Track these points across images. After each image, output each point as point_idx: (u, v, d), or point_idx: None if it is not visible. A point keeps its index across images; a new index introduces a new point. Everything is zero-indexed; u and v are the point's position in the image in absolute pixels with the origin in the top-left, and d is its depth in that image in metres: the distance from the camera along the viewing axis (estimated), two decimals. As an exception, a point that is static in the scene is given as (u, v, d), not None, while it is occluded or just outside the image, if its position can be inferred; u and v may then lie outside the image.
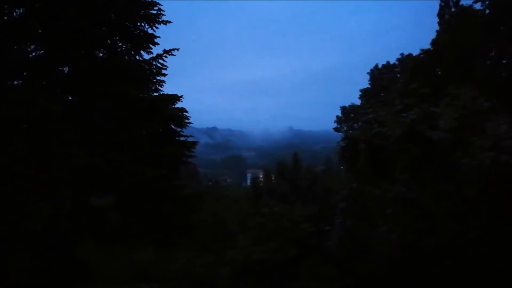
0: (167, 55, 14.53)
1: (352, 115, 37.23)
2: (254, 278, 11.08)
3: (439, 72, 24.37)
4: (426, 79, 20.10)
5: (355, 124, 31.43)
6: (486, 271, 5.37)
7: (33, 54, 13.75)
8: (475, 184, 5.73)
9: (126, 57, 14.97)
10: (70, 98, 14.26)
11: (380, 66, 38.68)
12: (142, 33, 14.60)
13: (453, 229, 5.77)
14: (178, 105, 15.42)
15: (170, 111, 14.95)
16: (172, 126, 15.40)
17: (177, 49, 14.66)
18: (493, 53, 23.42)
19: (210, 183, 51.71)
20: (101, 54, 14.66)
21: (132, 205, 12.22)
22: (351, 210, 8.49)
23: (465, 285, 5.51)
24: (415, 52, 28.25)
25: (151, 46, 14.75)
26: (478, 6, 23.71)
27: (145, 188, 12.51)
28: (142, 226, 12.10)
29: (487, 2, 23.21)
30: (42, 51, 13.71)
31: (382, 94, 33.81)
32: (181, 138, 15.67)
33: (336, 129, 39.18)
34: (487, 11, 23.30)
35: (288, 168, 45.55)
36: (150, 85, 15.13)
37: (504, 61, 23.04)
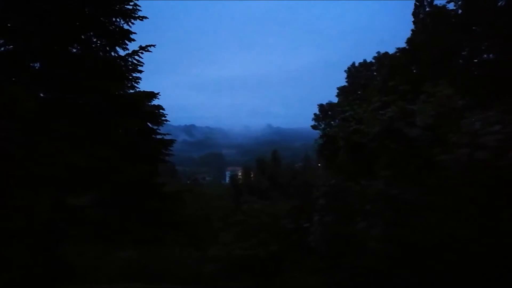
0: (143, 52, 14.25)
1: (329, 112, 37.49)
2: (238, 274, 11.09)
3: (415, 71, 24.85)
4: (402, 77, 20.46)
5: (332, 122, 31.71)
6: (472, 263, 5.48)
7: (2, 48, 13.24)
8: (455, 180, 5.84)
9: (101, 53, 14.59)
10: (41, 95, 13.77)
11: (357, 64, 39.12)
12: (117, 29, 14.25)
13: (436, 223, 5.88)
14: (155, 102, 15.19)
15: (146, 109, 14.70)
16: (149, 124, 15.15)
17: (153, 45, 14.39)
18: (465, 52, 24.03)
19: (188, 181, 51.28)
20: (74, 50, 14.25)
21: (117, 203, 12.00)
22: (330, 206, 8.58)
23: (452, 277, 5.62)
24: (391, 51, 28.75)
25: (126, 42, 14.42)
26: (451, 6, 24.29)
27: (129, 185, 12.30)
28: (127, 224, 11.92)
29: (459, 2, 23.80)
30: (12, 46, 13.21)
31: (359, 92, 34.20)
32: (158, 136, 15.45)
33: (313, 127, 39.38)
34: (460, 11, 23.91)
35: (268, 165, 45.80)
36: (126, 82, 14.79)
37: (475, 60, 23.69)
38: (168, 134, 15.76)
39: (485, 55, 23.06)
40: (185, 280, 9.98)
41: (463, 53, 24.26)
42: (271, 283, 10.18)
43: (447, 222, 5.75)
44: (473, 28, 22.51)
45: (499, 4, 21.38)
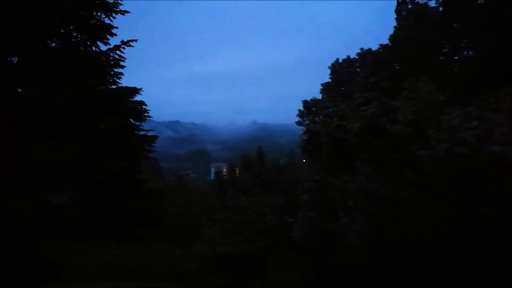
0: (125, 46, 14.04)
1: (313, 109, 37.63)
2: (222, 270, 11.06)
3: (397, 67, 25.17)
4: (385, 73, 20.70)
5: (316, 118, 31.86)
6: (450, 257, 5.58)
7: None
8: (434, 175, 5.92)
9: (81, 47, 14.30)
10: (20, 90, 13.43)
11: (341, 60, 39.32)
12: (98, 23, 14.00)
13: (415, 218, 5.96)
14: (137, 98, 14.97)
15: (128, 104, 14.48)
16: (131, 119, 14.92)
17: (136, 40, 14.20)
18: (446, 49, 24.46)
19: (173, 178, 50.87)
20: (54, 44, 13.93)
21: (98, 200, 11.82)
22: (314, 201, 8.62)
23: (431, 271, 5.70)
24: (375, 47, 29.06)
25: (108, 36, 14.18)
26: (432, 3, 24.71)
27: (110, 182, 12.12)
28: (109, 222, 11.75)
29: (440, 0, 24.20)
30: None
31: (343, 88, 34.46)
32: (141, 132, 15.24)
33: (298, 123, 39.50)
34: (441, 8, 24.32)
35: (253, 161, 45.78)
36: (108, 77, 14.54)
37: (456, 57, 24.16)
38: (151, 130, 15.55)
39: (464, 52, 23.52)
40: (168, 278, 9.91)
41: (444, 50, 24.67)
42: (255, 279, 10.20)
43: (424, 217, 5.84)
44: (454, 25, 22.90)
45: (479, 1, 21.77)
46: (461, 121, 6.48)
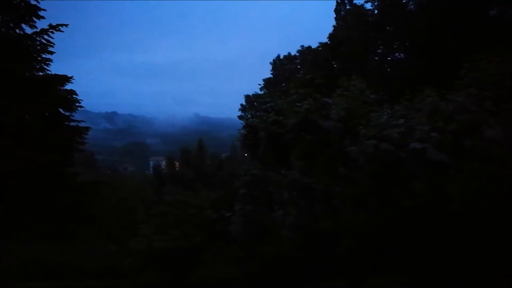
0: (54, 31, 13.07)
1: (255, 103, 37.96)
2: (159, 266, 10.79)
3: (335, 65, 26.13)
4: (323, 71, 21.39)
5: (257, 113, 32.18)
6: (380, 248, 5.89)
7: None
8: (363, 169, 6.21)
9: (3, 29, 13.08)
10: None
11: (282, 57, 40.03)
12: (23, 3, 12.87)
13: (346, 211, 6.22)
14: (69, 86, 14.05)
15: (57, 93, 13.54)
16: (61, 109, 13.98)
17: (66, 25, 13.27)
18: (380, 50, 25.85)
19: (108, 171, 48.66)
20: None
21: (21, 195, 10.93)
22: (251, 195, 8.70)
23: (362, 262, 5.98)
24: (315, 44, 29.94)
25: (34, 19, 13.11)
26: (369, 6, 25.94)
27: (35, 176, 11.26)
28: (34, 217, 10.95)
29: (376, 3, 25.48)
30: None
31: (283, 84, 35.12)
32: (72, 123, 14.35)
33: (240, 117, 39.69)
34: (376, 11, 25.61)
35: (193, 155, 45.24)
36: (34, 63, 13.46)
37: (389, 58, 25.64)
38: (82, 121, 14.70)
39: (396, 54, 25.03)
40: (101, 275, 9.49)
41: (378, 50, 26.04)
42: (190, 274, 10.10)
43: (353, 210, 6.13)
44: (387, 28, 24.23)
45: (409, 8, 23.24)
46: (388, 119, 6.86)
